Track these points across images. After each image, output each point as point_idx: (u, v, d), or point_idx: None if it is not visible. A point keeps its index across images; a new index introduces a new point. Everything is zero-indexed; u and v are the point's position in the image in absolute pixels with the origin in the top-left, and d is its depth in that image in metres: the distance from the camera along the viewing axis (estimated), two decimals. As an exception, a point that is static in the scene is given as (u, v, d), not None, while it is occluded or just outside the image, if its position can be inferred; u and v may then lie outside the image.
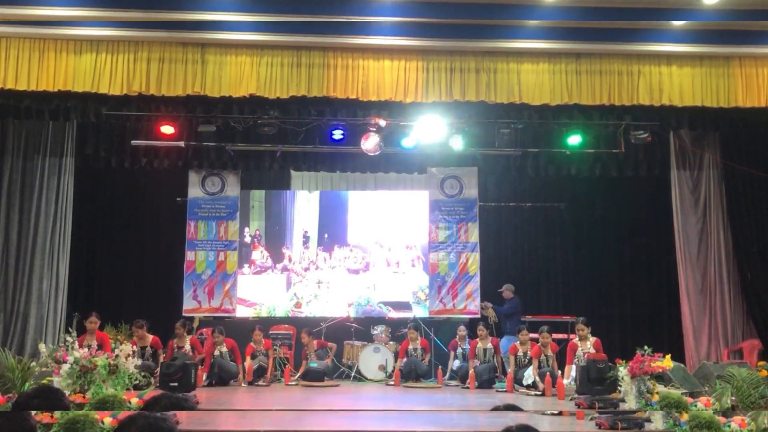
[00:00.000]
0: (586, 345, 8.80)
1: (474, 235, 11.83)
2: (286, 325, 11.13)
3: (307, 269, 12.20)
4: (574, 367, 8.59)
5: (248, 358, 9.65)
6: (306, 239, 12.28)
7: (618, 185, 11.99)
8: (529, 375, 8.98)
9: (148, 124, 10.20)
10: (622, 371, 7.05)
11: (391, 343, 10.51)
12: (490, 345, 9.76)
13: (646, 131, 9.97)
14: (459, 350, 10.07)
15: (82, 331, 8.62)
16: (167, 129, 10.08)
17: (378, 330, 10.70)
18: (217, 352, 9.44)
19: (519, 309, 10.97)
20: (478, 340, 9.84)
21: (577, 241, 12.43)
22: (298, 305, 12.04)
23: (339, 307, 11.82)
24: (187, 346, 9.41)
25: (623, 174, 11.28)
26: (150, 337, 9.28)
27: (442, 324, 11.25)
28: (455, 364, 10.04)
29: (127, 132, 10.47)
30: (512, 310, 10.94)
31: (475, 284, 11.61)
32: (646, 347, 6.82)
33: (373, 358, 10.20)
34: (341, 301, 11.91)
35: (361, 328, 10.84)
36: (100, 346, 8.35)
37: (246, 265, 12.09)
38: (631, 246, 12.32)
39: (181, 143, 10.32)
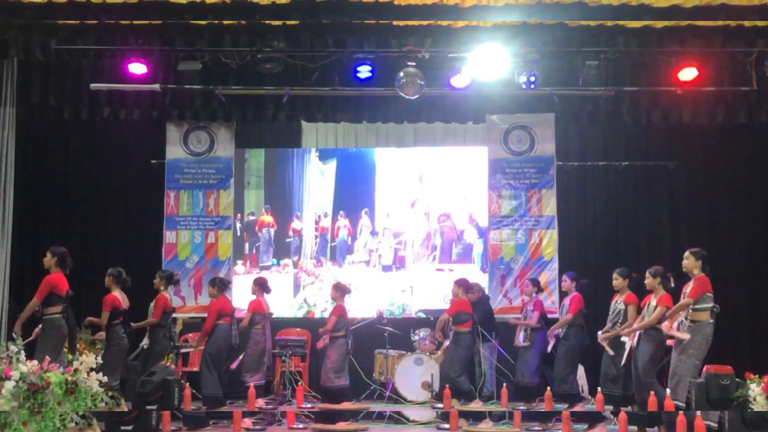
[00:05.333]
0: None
1: (550, 207, 11.74)
2: (298, 329, 11.21)
3: (320, 265, 12.27)
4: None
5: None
6: (319, 225, 12.36)
7: (748, 135, 11.79)
8: None
9: (112, 61, 10.22)
10: (755, 390, 6.97)
11: (438, 352, 10.52)
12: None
13: (787, 61, 9.78)
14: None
15: (29, 336, 8.75)
16: (137, 68, 10.10)
17: (420, 335, 10.71)
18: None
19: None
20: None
21: (691, 212, 12.28)
22: (309, 315, 12.11)
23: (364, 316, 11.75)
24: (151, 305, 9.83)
25: (755, 120, 11.05)
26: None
27: (506, 328, 11.21)
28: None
29: (84, 73, 10.50)
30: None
31: (551, 273, 11.55)
32: (787, 357, 6.74)
33: (415, 373, 10.24)
34: (367, 309, 11.82)
35: (398, 333, 10.88)
36: None
37: (239, 262, 12.19)
38: (766, 219, 12.13)
39: (156, 86, 10.34)
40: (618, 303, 9.28)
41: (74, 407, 6.65)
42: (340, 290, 10.24)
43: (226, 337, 9.74)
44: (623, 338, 9.01)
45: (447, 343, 10.11)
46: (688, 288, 8.44)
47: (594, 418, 9.15)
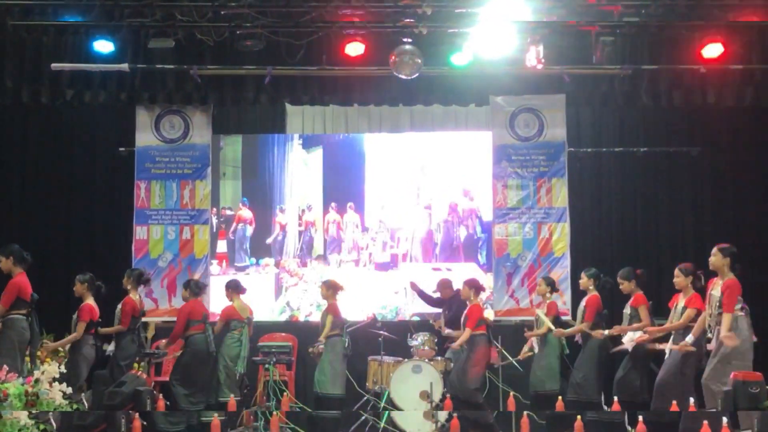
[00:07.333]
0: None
1: (561, 197, 11.74)
2: (283, 334, 11.19)
3: (303, 265, 12.27)
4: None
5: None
6: (303, 220, 12.35)
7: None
8: None
9: (76, 39, 10.21)
10: (788, 398, 6.99)
11: (438, 358, 10.52)
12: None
13: (822, 36, 9.81)
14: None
15: None
16: (104, 45, 10.10)
17: (418, 340, 10.70)
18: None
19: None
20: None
21: (717, 203, 12.29)
22: (293, 319, 12.12)
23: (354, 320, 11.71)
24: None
25: (788, 102, 11.11)
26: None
27: (513, 331, 11.21)
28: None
29: (44, 51, 10.48)
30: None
31: (563, 270, 11.54)
32: (823, 362, 6.76)
33: (412, 382, 10.20)
34: (357, 312, 11.67)
35: (394, 338, 10.86)
36: None
37: (214, 262, 12.16)
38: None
39: (125, 66, 10.32)
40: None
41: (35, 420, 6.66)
42: (332, 287, 10.24)
43: (201, 348, 9.74)
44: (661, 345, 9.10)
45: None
46: (715, 288, 8.41)
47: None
